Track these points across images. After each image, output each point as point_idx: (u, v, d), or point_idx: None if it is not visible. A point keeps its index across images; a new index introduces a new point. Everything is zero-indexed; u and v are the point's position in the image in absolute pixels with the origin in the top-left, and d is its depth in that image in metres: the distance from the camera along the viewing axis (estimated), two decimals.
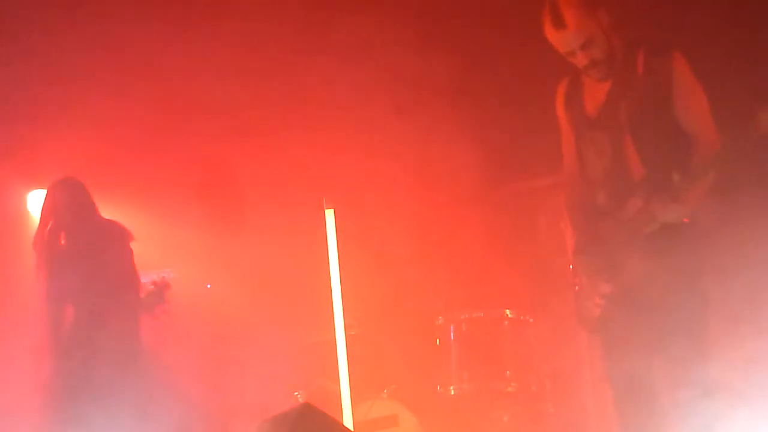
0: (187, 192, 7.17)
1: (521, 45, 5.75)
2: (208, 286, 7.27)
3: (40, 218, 5.98)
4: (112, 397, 5.50)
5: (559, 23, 4.67)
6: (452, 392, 6.33)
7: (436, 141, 6.65)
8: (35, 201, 7.21)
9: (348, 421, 5.98)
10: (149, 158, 6.92)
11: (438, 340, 6.50)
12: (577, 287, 4.91)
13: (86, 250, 5.82)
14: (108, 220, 5.98)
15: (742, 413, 4.54)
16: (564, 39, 4.69)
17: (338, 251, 5.98)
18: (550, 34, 4.73)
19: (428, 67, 6.49)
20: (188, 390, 6.04)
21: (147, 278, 5.81)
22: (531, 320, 6.39)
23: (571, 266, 5.06)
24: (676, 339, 4.50)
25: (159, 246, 6.04)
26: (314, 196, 6.21)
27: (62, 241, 5.88)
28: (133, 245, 5.91)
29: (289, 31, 6.70)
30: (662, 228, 4.56)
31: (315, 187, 6.49)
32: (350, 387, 5.95)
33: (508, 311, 6.36)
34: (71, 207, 5.91)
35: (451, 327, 6.43)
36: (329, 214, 6.03)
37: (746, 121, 4.29)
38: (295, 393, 6.49)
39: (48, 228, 5.93)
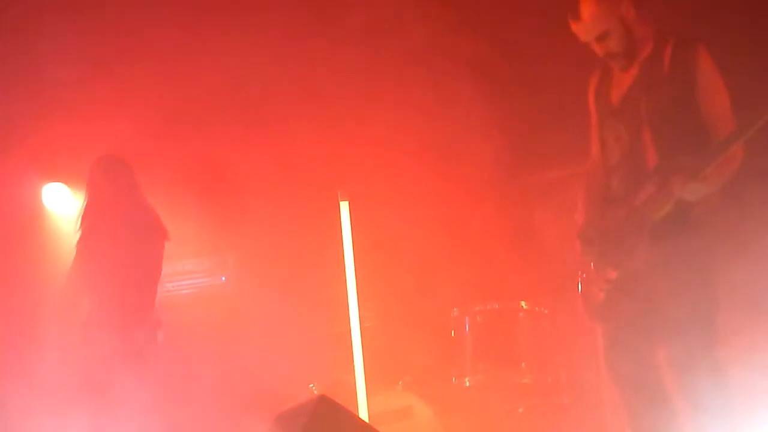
0: (202, 185, 7.19)
1: (545, 37, 5.75)
2: (223, 278, 7.28)
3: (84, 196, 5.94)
4: (125, 387, 5.52)
5: (575, 15, 4.77)
6: (467, 384, 6.32)
7: (453, 134, 6.65)
8: (49, 194, 7.24)
9: (363, 413, 5.98)
10: (163, 151, 6.93)
11: (453, 332, 6.50)
12: (583, 274, 4.92)
13: (114, 234, 5.77)
14: (148, 207, 5.92)
15: (749, 398, 4.55)
16: (579, 30, 4.77)
17: (353, 243, 5.98)
18: (571, 25, 4.79)
19: (445, 60, 6.48)
20: (204, 382, 6.06)
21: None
22: (546, 312, 6.38)
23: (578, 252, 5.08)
24: (682, 326, 4.51)
25: (175, 238, 6.03)
26: (329, 189, 6.21)
27: (96, 222, 5.84)
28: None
29: (303, 22, 6.70)
30: (671, 215, 4.56)
31: (330, 180, 6.49)
32: (365, 379, 5.95)
33: (523, 303, 6.35)
34: (107, 187, 5.87)
35: (466, 319, 6.43)
36: (344, 206, 6.03)
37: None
38: (311, 385, 6.50)
39: (84, 207, 5.91)
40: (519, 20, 6.40)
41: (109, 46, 6.76)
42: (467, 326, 6.43)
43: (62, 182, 7.30)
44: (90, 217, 5.88)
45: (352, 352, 6.00)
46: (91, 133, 6.81)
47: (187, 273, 7.28)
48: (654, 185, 4.62)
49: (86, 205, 5.92)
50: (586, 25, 4.76)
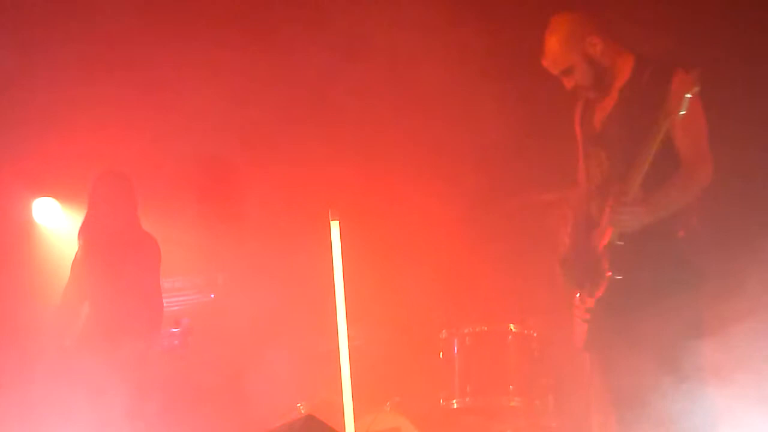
0: (192, 204, 7.18)
1: (533, 60, 5.77)
2: (212, 296, 7.26)
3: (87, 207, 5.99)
4: (111, 406, 5.50)
5: (542, 51, 4.79)
6: (455, 406, 6.31)
7: (443, 156, 6.66)
8: (39, 209, 7.22)
9: None
10: (154, 169, 6.93)
11: (441, 354, 6.49)
12: (572, 303, 4.95)
13: (113, 246, 5.83)
14: (144, 232, 5.98)
15: (734, 419, 4.56)
16: (548, 64, 4.82)
17: (343, 263, 5.97)
18: (543, 60, 4.89)
19: (435, 84, 6.49)
20: (191, 401, 6.03)
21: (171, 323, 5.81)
22: (535, 335, 6.37)
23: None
24: (662, 353, 4.51)
25: (164, 255, 6.03)
26: (320, 208, 6.21)
27: (96, 235, 5.89)
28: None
29: (298, 39, 6.71)
30: (634, 238, 4.57)
31: (320, 199, 6.49)
32: (353, 399, 5.93)
33: (512, 325, 6.34)
34: (108, 201, 5.91)
35: (455, 340, 6.42)
36: (334, 226, 6.02)
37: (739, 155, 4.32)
38: (298, 404, 6.48)
39: (84, 220, 5.95)
40: (508, 45, 6.42)
41: (101, 59, 6.76)
42: (456, 348, 6.41)
43: (52, 197, 7.29)
44: (89, 229, 5.91)
45: (341, 372, 5.98)
46: (81, 148, 6.81)
47: (176, 290, 7.27)
48: (610, 207, 4.64)
49: (86, 218, 5.95)
50: (549, 61, 4.84)
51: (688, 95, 4.33)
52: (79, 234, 5.96)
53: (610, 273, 4.61)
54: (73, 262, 6.01)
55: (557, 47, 4.83)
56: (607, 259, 4.64)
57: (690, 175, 4.58)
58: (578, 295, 4.90)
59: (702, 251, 4.65)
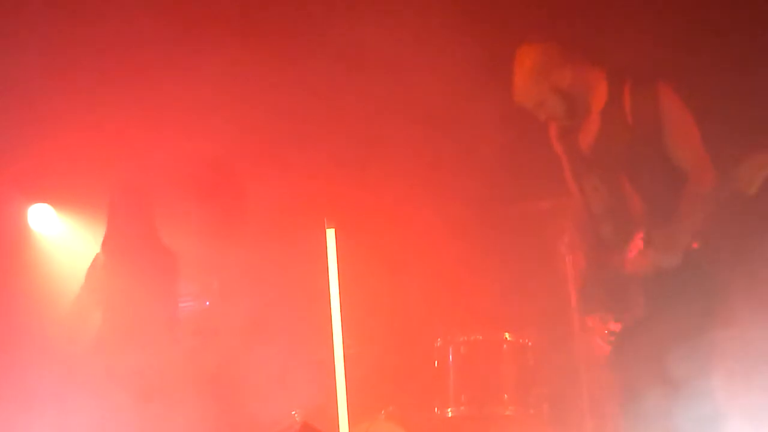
0: (187, 210, 7.16)
1: None
2: (207, 303, 7.25)
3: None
4: (107, 412, 5.51)
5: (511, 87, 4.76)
6: (450, 415, 6.30)
7: (440, 163, 6.66)
8: (34, 216, 7.21)
9: None
10: (148, 175, 6.91)
11: (436, 362, 6.48)
12: (586, 323, 4.90)
13: (133, 263, 6.04)
14: (164, 246, 6.21)
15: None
16: (520, 98, 4.77)
17: (338, 271, 5.97)
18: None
19: (433, 90, 6.49)
20: (185, 408, 6.02)
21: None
22: (530, 344, 6.37)
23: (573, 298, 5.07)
24: (686, 373, 4.48)
25: (159, 262, 6.05)
26: (315, 216, 6.20)
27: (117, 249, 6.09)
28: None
29: (297, 46, 6.72)
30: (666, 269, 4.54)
31: (316, 207, 6.49)
32: (348, 407, 5.92)
33: (507, 334, 6.34)
34: (128, 215, 6.14)
35: (450, 349, 6.42)
36: (330, 234, 6.02)
37: (739, 158, 4.29)
38: (293, 412, 6.47)
39: (106, 233, 6.15)
40: (505, 54, 6.42)
41: (97, 65, 6.75)
42: (451, 357, 6.41)
43: (48, 203, 7.27)
44: (111, 242, 6.15)
45: (336, 380, 5.97)
46: (77, 154, 6.81)
47: None
48: (641, 241, 4.58)
49: (108, 231, 6.17)
50: (519, 97, 4.77)
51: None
52: (102, 245, 6.15)
53: (639, 297, 4.58)
54: (88, 270, 6.13)
55: (524, 83, 4.73)
56: (637, 287, 4.60)
57: (699, 186, 4.54)
58: (598, 317, 4.85)
59: (718, 260, 4.61)
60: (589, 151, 4.78)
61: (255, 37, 6.58)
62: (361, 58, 6.47)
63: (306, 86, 6.70)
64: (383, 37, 6.28)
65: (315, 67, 6.64)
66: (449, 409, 6.31)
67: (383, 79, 6.53)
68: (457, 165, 6.64)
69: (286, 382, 6.50)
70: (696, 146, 4.60)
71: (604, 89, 4.70)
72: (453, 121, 6.58)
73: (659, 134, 4.58)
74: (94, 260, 6.16)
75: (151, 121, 6.80)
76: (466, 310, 6.79)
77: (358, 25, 6.34)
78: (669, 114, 4.57)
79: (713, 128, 4.66)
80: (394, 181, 6.61)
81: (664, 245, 4.48)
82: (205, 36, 6.62)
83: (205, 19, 6.64)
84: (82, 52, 6.67)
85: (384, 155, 6.61)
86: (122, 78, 6.75)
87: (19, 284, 6.91)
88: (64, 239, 7.21)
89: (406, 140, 6.63)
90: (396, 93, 6.53)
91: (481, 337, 6.37)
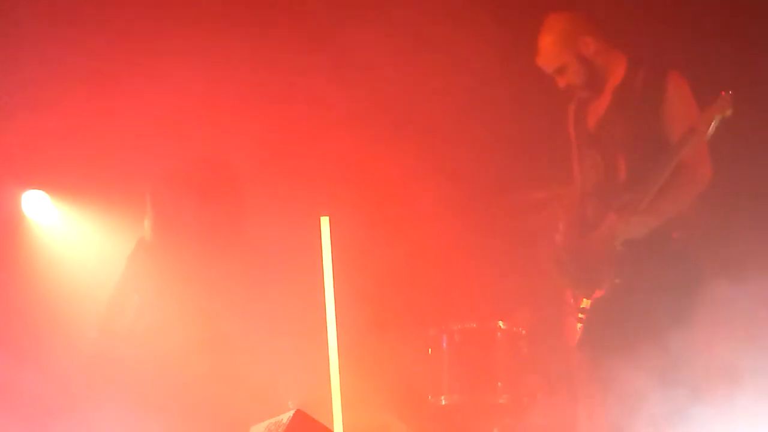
0: (183, 195, 7.15)
1: (515, 64, 5.79)
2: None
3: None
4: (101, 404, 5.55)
5: (536, 49, 4.83)
6: (443, 402, 6.32)
7: (433, 152, 6.66)
8: (28, 202, 7.19)
9: (339, 429, 5.97)
10: (145, 161, 6.90)
11: (430, 350, 6.50)
12: (561, 301, 4.97)
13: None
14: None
15: (729, 416, 4.57)
16: (542, 62, 4.85)
17: (333, 259, 5.97)
18: (537, 58, 4.89)
19: (427, 77, 6.49)
20: (179, 397, 6.03)
21: None
22: (524, 332, 6.38)
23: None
24: (656, 349, 4.52)
25: (153, 247, 6.05)
26: (310, 204, 6.21)
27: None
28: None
29: (286, 29, 6.70)
30: (635, 242, 4.59)
31: (311, 195, 6.49)
32: (342, 395, 5.94)
33: (501, 323, 6.36)
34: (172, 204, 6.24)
35: (444, 337, 6.43)
36: (324, 222, 6.02)
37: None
38: (288, 402, 6.48)
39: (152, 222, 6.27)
40: (502, 45, 6.42)
41: (93, 49, 6.73)
42: (444, 344, 6.43)
43: (42, 189, 7.26)
44: (155, 229, 6.26)
45: (329, 368, 5.98)
46: (72, 141, 6.79)
47: None
48: (614, 213, 4.66)
49: (153, 220, 6.26)
50: (543, 60, 4.89)
51: (719, 116, 4.34)
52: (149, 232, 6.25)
53: (612, 277, 4.63)
54: (129, 257, 6.21)
55: (550, 46, 4.89)
56: (606, 262, 4.66)
57: (692, 175, 4.60)
58: (571, 295, 4.92)
59: (697, 250, 4.67)
60: (595, 128, 4.88)
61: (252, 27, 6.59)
62: (360, 48, 6.47)
63: (302, 73, 6.69)
64: (381, 27, 6.30)
65: (310, 53, 6.64)
66: (443, 397, 6.33)
67: (381, 68, 6.52)
68: (452, 153, 6.64)
69: (280, 372, 6.51)
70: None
71: (622, 68, 4.83)
72: (450, 111, 6.58)
73: (662, 120, 4.65)
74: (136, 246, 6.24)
75: (145, 106, 6.77)
76: (460, 299, 6.80)
77: (354, 14, 6.35)
78: (674, 103, 4.66)
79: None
80: (390, 170, 6.60)
81: (631, 213, 4.54)
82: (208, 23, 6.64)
83: (205, 12, 6.65)
84: (79, 38, 6.65)
85: (379, 144, 6.60)
86: (120, 61, 6.73)
87: (13, 271, 6.90)
88: (58, 225, 7.19)
89: (402, 129, 6.63)
90: (392, 81, 6.53)
91: (475, 325, 6.39)
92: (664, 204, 4.62)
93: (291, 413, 4.27)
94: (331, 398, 5.91)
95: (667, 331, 4.56)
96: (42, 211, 7.26)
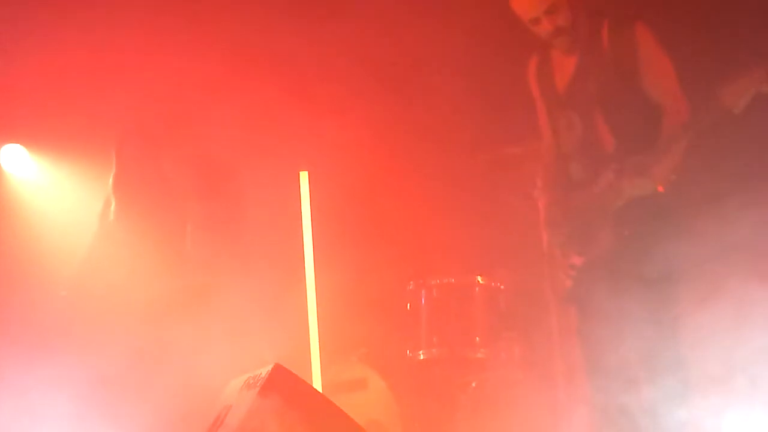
0: (159, 154, 7.13)
1: (490, 18, 5.76)
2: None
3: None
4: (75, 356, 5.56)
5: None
6: (422, 357, 6.35)
7: (410, 110, 6.65)
8: (6, 156, 7.16)
9: (317, 383, 6.00)
10: (120, 115, 6.88)
11: (409, 305, 6.52)
12: (549, 258, 4.97)
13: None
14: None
15: (712, 381, 4.60)
16: (530, 3, 4.75)
17: (311, 215, 5.98)
18: (516, 2, 4.79)
19: (402, 33, 6.47)
20: (156, 352, 6.04)
21: None
22: (502, 287, 6.41)
23: (544, 237, 5.13)
24: (647, 309, 4.55)
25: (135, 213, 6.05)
26: (289, 158, 6.20)
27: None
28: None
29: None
30: (635, 200, 4.61)
31: (290, 149, 6.48)
32: (320, 350, 5.96)
33: (479, 278, 6.38)
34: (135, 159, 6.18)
35: (423, 292, 6.44)
36: (303, 177, 6.02)
37: (713, 91, 4.32)
38: (266, 355, 6.49)
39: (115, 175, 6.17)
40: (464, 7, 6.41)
41: (67, 2, 6.69)
42: (423, 299, 6.44)
43: (20, 143, 7.22)
44: (120, 184, 6.15)
45: (308, 323, 6.01)
46: (49, 95, 6.75)
47: None
48: (612, 172, 4.65)
49: (116, 174, 6.16)
50: (518, 10, 4.79)
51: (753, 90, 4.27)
52: (113, 188, 6.16)
53: (609, 235, 4.64)
54: (100, 215, 6.16)
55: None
56: (601, 220, 4.66)
57: (674, 120, 4.60)
58: (559, 252, 4.92)
59: (682, 205, 4.67)
60: (565, 89, 4.85)
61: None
62: (343, 9, 6.45)
63: (278, 29, 6.66)
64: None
65: (285, 9, 6.61)
66: (421, 352, 6.35)
67: (364, 29, 6.50)
68: (430, 110, 6.64)
69: (258, 326, 6.53)
70: (672, 84, 4.68)
71: (585, 27, 4.75)
72: (426, 68, 6.58)
73: (635, 73, 4.65)
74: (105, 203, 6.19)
75: (130, 69, 6.74)
76: (439, 254, 6.82)
77: None
78: (645, 52, 4.65)
79: (688, 65, 4.71)
80: (368, 126, 6.59)
81: (636, 173, 4.55)
82: None
83: None
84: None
85: (358, 101, 6.59)
86: (95, 14, 6.69)
87: None
88: (36, 180, 7.16)
89: (380, 86, 6.61)
90: (368, 38, 6.51)
91: (453, 280, 6.40)
92: (665, 161, 4.58)
93: (270, 367, 4.28)
94: (309, 353, 5.94)
95: (656, 283, 4.56)
96: (20, 166, 7.24)
